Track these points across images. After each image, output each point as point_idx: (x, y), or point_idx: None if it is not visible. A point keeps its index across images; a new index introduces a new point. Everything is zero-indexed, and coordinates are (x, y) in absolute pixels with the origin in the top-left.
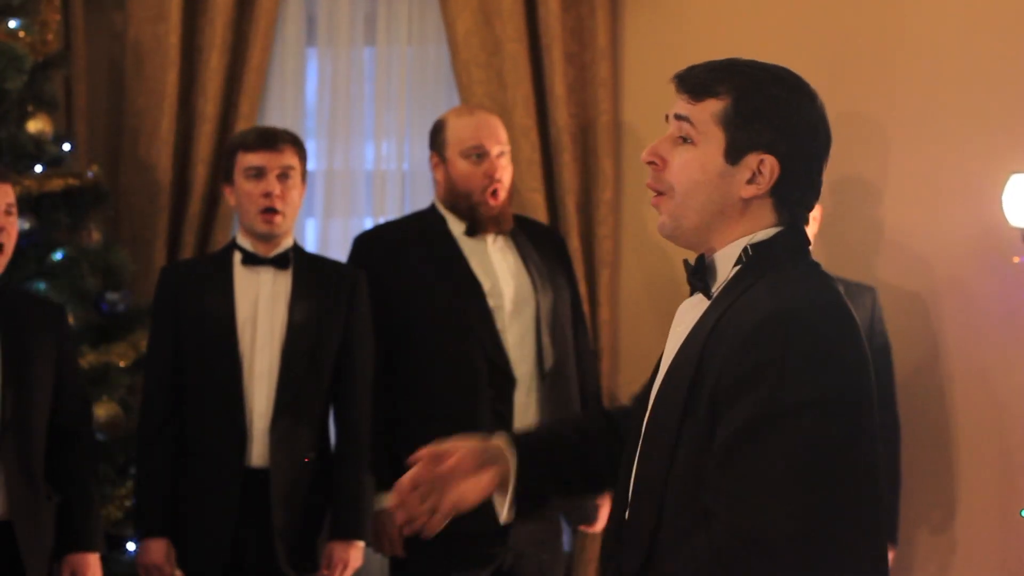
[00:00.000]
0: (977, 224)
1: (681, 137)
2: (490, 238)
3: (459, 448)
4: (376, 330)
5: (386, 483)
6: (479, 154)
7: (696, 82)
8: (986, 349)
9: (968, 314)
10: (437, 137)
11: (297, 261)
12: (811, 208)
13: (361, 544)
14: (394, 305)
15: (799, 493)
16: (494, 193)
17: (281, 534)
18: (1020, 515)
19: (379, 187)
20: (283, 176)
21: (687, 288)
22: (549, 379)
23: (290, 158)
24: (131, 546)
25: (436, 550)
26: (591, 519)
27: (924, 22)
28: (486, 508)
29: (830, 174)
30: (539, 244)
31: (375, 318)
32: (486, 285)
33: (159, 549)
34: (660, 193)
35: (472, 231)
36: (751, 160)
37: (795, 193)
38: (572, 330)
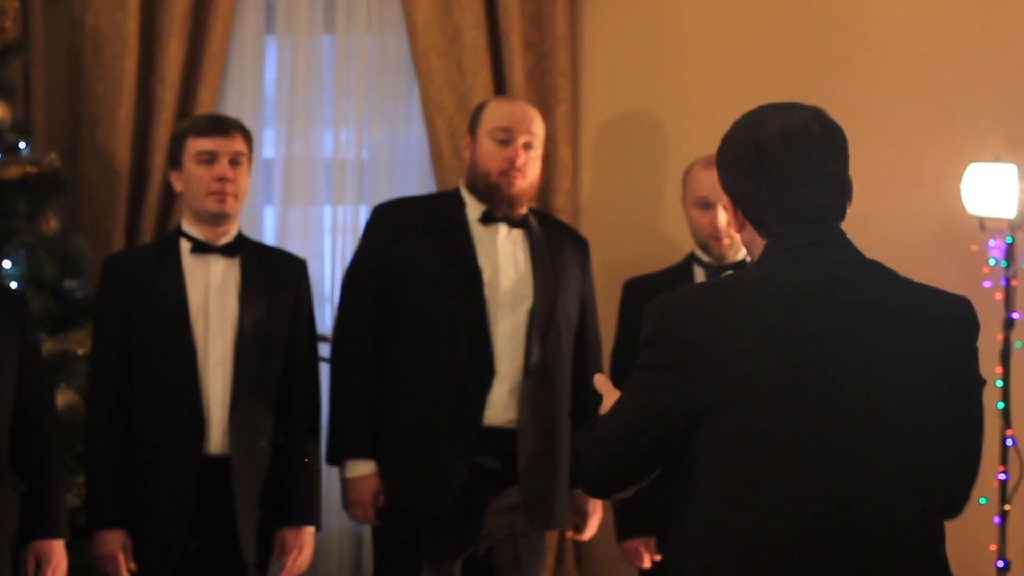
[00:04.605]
0: (936, 213)
1: None
2: (504, 229)
3: None
4: (374, 302)
5: (364, 453)
6: (505, 139)
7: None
8: None
9: None
10: (474, 118)
11: (244, 250)
12: (781, 219)
13: (311, 530)
14: (394, 280)
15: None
16: (512, 178)
17: (243, 522)
18: (978, 502)
19: (338, 175)
20: (234, 162)
21: None
22: (533, 378)
23: (240, 144)
24: None
25: (409, 538)
26: (577, 527)
27: (883, 10)
28: (458, 495)
29: None
30: (556, 245)
31: (377, 290)
32: (486, 275)
33: (114, 540)
34: None
35: (487, 219)
36: (729, 207)
37: (752, 211)
38: (577, 335)
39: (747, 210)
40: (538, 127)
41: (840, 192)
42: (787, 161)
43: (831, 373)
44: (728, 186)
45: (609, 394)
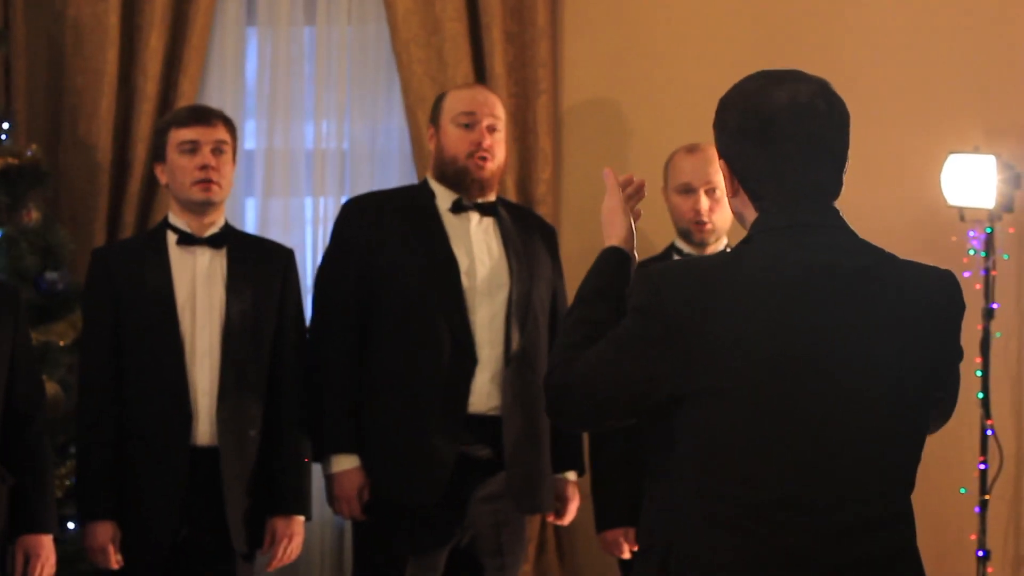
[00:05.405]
0: (915, 203)
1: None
2: (475, 218)
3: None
4: (352, 296)
5: (347, 447)
6: (468, 123)
7: None
8: None
9: None
10: (435, 109)
11: (231, 240)
12: (780, 194)
13: (301, 519)
14: (371, 273)
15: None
16: (481, 159)
17: (233, 512)
18: (958, 492)
19: (319, 166)
20: (217, 151)
21: None
22: (514, 364)
23: (223, 133)
24: (71, 525)
25: (395, 531)
26: (557, 512)
27: (863, 1)
28: (444, 486)
29: None
30: (526, 232)
31: (355, 283)
32: (463, 264)
33: (105, 532)
34: None
35: (457, 208)
36: (725, 172)
37: (750, 183)
38: (549, 321)
39: (744, 181)
40: (499, 110)
41: (839, 168)
42: (793, 137)
43: (829, 367)
44: (726, 154)
45: (613, 193)
